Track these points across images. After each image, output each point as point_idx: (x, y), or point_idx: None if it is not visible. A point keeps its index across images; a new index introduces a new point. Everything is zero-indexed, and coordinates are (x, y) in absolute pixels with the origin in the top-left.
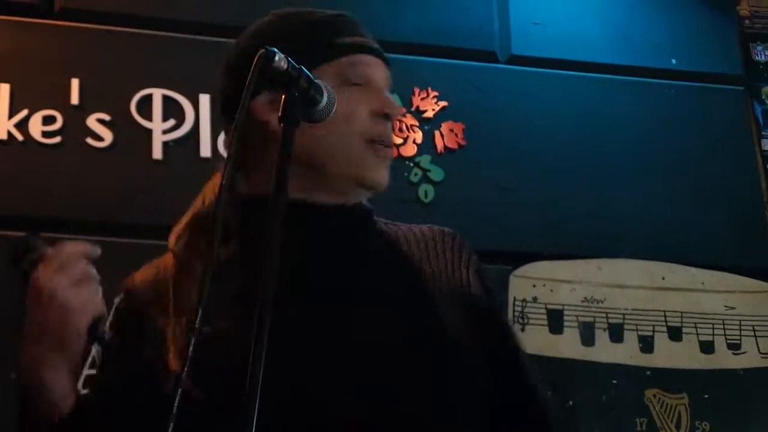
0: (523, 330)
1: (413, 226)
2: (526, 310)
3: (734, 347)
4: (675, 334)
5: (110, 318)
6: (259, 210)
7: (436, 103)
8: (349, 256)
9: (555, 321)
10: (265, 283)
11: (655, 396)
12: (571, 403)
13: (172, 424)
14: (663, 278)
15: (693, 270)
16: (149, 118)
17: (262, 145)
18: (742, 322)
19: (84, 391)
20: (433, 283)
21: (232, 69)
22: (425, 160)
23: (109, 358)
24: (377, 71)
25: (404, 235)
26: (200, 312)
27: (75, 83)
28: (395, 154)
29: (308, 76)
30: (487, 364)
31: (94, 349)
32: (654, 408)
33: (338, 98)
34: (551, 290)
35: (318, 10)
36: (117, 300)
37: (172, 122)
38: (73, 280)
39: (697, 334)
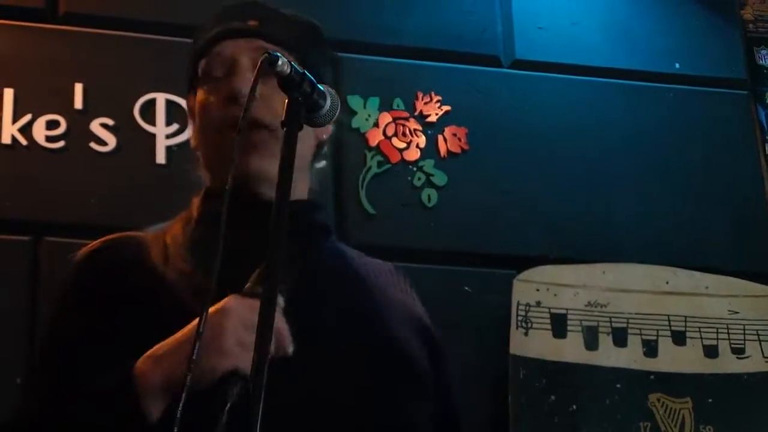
0: (526, 334)
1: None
2: (529, 314)
3: (738, 351)
4: (679, 338)
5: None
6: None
7: (439, 107)
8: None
9: (558, 325)
10: (270, 286)
11: (659, 400)
12: (574, 407)
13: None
14: (667, 282)
15: (697, 274)
16: (153, 122)
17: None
18: (746, 327)
19: None
20: (389, 307)
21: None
22: (428, 165)
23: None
24: (235, 53)
25: (359, 256)
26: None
27: (78, 88)
28: (398, 158)
29: (311, 80)
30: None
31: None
32: (658, 412)
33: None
34: (555, 294)
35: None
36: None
37: (175, 126)
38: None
39: (701, 338)
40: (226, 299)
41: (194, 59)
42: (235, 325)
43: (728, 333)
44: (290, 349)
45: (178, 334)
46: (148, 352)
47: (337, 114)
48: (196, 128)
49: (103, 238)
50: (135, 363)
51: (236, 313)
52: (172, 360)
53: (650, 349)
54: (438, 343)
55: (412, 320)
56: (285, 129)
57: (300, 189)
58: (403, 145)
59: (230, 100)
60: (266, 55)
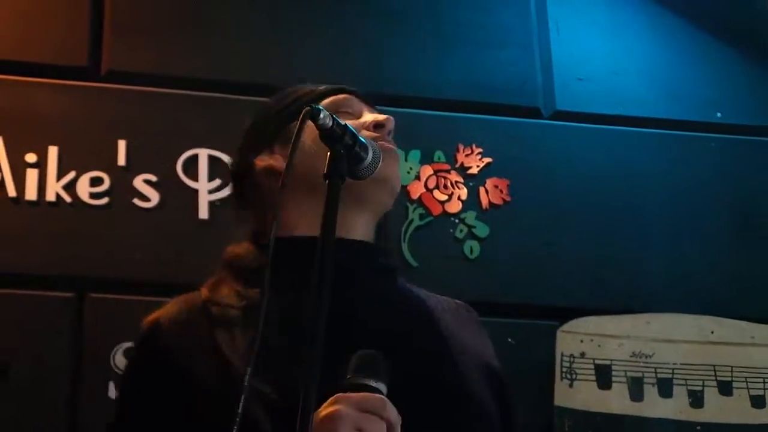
0: (571, 386)
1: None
2: (574, 365)
3: None
4: (725, 388)
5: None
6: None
7: (480, 159)
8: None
9: (603, 376)
10: (315, 333)
11: None
12: None
13: None
14: (712, 332)
15: (743, 324)
16: (195, 178)
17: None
18: None
19: None
20: (462, 351)
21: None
22: (470, 217)
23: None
24: (360, 105)
25: (427, 296)
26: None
27: (122, 144)
28: (440, 210)
29: (353, 133)
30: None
31: None
32: None
33: None
34: (599, 345)
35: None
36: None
37: (218, 182)
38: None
39: (748, 388)
40: (334, 400)
41: (284, 120)
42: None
43: None
44: None
45: None
46: None
47: (379, 166)
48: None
49: (170, 304)
50: None
51: (349, 417)
52: None
53: (696, 399)
54: (507, 386)
55: (483, 364)
56: (328, 182)
57: (365, 231)
58: (444, 197)
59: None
60: (308, 108)
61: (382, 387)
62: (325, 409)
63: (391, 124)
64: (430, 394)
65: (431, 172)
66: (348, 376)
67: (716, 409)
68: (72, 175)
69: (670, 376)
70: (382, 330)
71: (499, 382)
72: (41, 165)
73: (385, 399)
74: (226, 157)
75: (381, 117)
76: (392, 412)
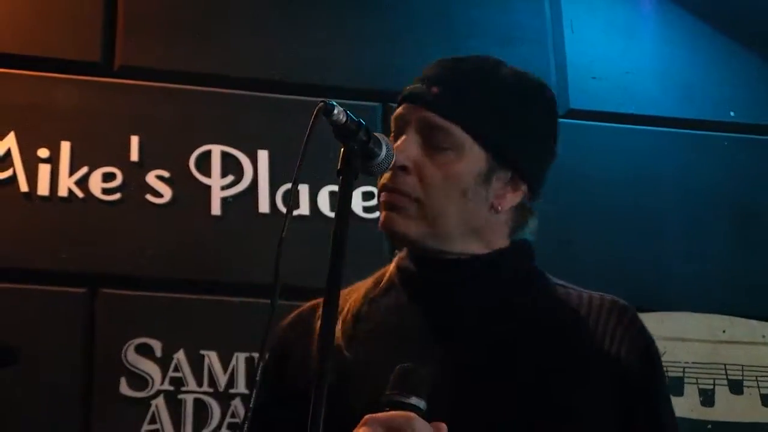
0: None
1: (585, 292)
2: None
3: None
4: (736, 387)
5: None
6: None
7: None
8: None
9: None
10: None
11: None
12: None
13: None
14: (723, 331)
15: (754, 323)
16: (208, 174)
17: None
18: None
19: None
20: (579, 355)
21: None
22: None
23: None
24: (403, 117)
25: (567, 298)
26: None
27: (134, 140)
28: None
29: (367, 129)
30: None
31: None
32: None
33: None
34: None
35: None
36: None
37: (230, 178)
38: None
39: (758, 387)
40: (364, 421)
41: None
42: None
43: None
44: None
45: None
46: None
47: (392, 162)
48: None
49: (304, 306)
50: None
51: None
52: None
53: (707, 398)
54: (646, 394)
55: (607, 371)
56: (341, 177)
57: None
58: None
59: (394, 167)
60: (322, 104)
61: (420, 403)
62: None
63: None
64: (522, 414)
65: None
66: (385, 393)
67: (727, 407)
68: (84, 170)
69: (681, 374)
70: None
71: (626, 393)
72: (53, 160)
73: (413, 415)
74: (238, 153)
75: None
76: (422, 429)
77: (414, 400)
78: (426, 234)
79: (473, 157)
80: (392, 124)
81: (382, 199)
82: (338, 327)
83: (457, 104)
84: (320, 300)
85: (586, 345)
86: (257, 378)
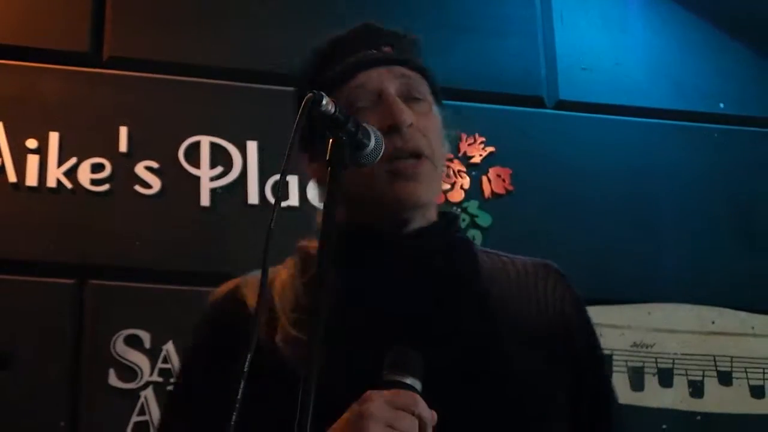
0: None
1: (516, 258)
2: None
3: None
4: (725, 378)
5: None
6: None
7: (483, 148)
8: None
9: None
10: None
11: None
12: None
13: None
14: (713, 323)
15: (743, 314)
16: (197, 165)
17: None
18: None
19: None
20: (513, 320)
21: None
22: (473, 206)
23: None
24: (380, 82)
25: (497, 266)
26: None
27: (123, 131)
28: (442, 199)
29: (356, 119)
30: (570, 409)
31: None
32: None
33: None
34: (600, 335)
35: (330, 36)
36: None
37: (219, 169)
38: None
39: (747, 378)
40: (367, 397)
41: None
42: (380, 429)
43: None
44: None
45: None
46: None
47: (382, 152)
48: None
49: (228, 284)
50: None
51: (380, 414)
52: None
53: (696, 389)
54: (582, 347)
55: (539, 337)
56: (329, 168)
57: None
58: (447, 186)
59: (393, 130)
60: (311, 94)
61: (416, 384)
62: (356, 407)
63: (407, 123)
64: (466, 382)
65: None
66: (383, 373)
67: (716, 399)
68: (73, 161)
69: (670, 366)
70: (410, 317)
71: (567, 348)
72: (42, 151)
73: (417, 396)
74: (228, 145)
75: (393, 114)
76: (424, 409)
77: (415, 382)
78: (430, 194)
79: (434, 106)
80: (352, 96)
81: (397, 166)
82: (284, 318)
83: (412, 57)
84: (232, 285)
85: (532, 306)
86: (244, 369)
